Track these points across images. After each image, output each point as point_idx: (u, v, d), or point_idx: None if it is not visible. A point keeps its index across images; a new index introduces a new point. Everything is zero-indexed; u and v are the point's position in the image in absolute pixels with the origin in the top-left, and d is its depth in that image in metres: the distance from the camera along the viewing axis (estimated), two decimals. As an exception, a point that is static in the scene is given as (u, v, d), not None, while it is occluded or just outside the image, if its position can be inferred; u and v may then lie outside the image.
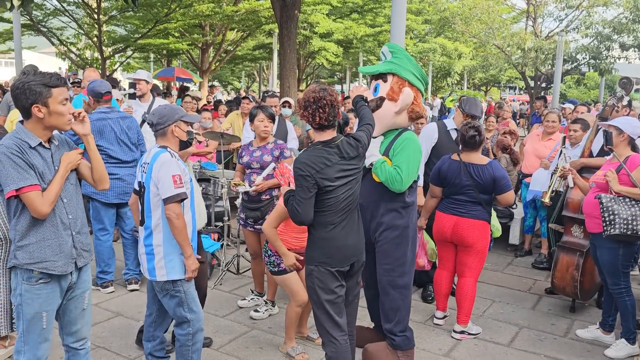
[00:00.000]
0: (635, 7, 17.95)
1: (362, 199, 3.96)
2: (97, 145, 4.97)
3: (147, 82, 6.36)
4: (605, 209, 3.94)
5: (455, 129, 5.10)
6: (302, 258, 3.84)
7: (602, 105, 5.52)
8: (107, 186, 3.02)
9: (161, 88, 22.79)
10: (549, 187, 5.33)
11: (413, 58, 4.06)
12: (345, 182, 3.15)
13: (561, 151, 5.41)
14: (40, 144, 2.74)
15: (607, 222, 3.93)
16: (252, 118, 4.75)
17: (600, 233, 4.06)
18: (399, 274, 3.87)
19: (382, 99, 3.84)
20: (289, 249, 3.92)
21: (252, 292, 5.04)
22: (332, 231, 3.16)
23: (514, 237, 6.88)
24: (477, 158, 4.40)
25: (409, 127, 4.12)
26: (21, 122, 2.77)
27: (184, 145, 3.45)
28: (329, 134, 3.18)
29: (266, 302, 4.80)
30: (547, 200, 5.29)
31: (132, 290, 5.21)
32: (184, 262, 3.29)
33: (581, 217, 4.78)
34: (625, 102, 5.38)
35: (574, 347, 4.39)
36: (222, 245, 5.75)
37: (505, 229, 6.88)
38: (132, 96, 6.58)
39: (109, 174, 4.94)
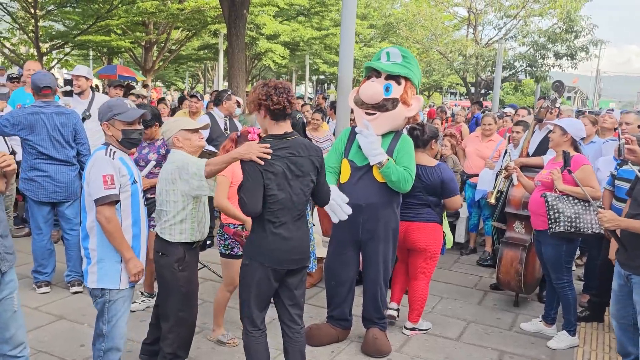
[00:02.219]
0: (568, 18, 18.82)
1: (361, 200, 3.98)
2: (27, 140, 4.77)
3: (87, 79, 6.12)
4: (550, 207, 4.08)
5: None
6: None
7: (537, 108, 5.71)
8: None
9: (101, 87, 22.11)
10: (494, 187, 5.49)
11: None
12: (287, 182, 3.02)
13: (506, 151, 5.59)
14: None
15: (552, 220, 4.07)
16: None
17: (545, 230, 4.20)
18: (390, 268, 4.21)
19: (397, 101, 4.00)
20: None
21: (142, 294, 4.82)
22: (268, 230, 3.04)
23: (460, 236, 7.05)
24: (424, 159, 4.37)
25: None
26: None
27: (127, 144, 3.17)
28: (283, 127, 3.08)
29: (142, 294, 4.77)
30: (492, 200, 5.45)
31: (75, 293, 4.99)
32: (118, 271, 3.05)
33: (522, 213, 4.97)
34: (558, 104, 5.57)
35: (519, 339, 4.55)
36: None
37: (452, 227, 7.04)
38: (68, 93, 6.28)
39: (40, 170, 4.82)
